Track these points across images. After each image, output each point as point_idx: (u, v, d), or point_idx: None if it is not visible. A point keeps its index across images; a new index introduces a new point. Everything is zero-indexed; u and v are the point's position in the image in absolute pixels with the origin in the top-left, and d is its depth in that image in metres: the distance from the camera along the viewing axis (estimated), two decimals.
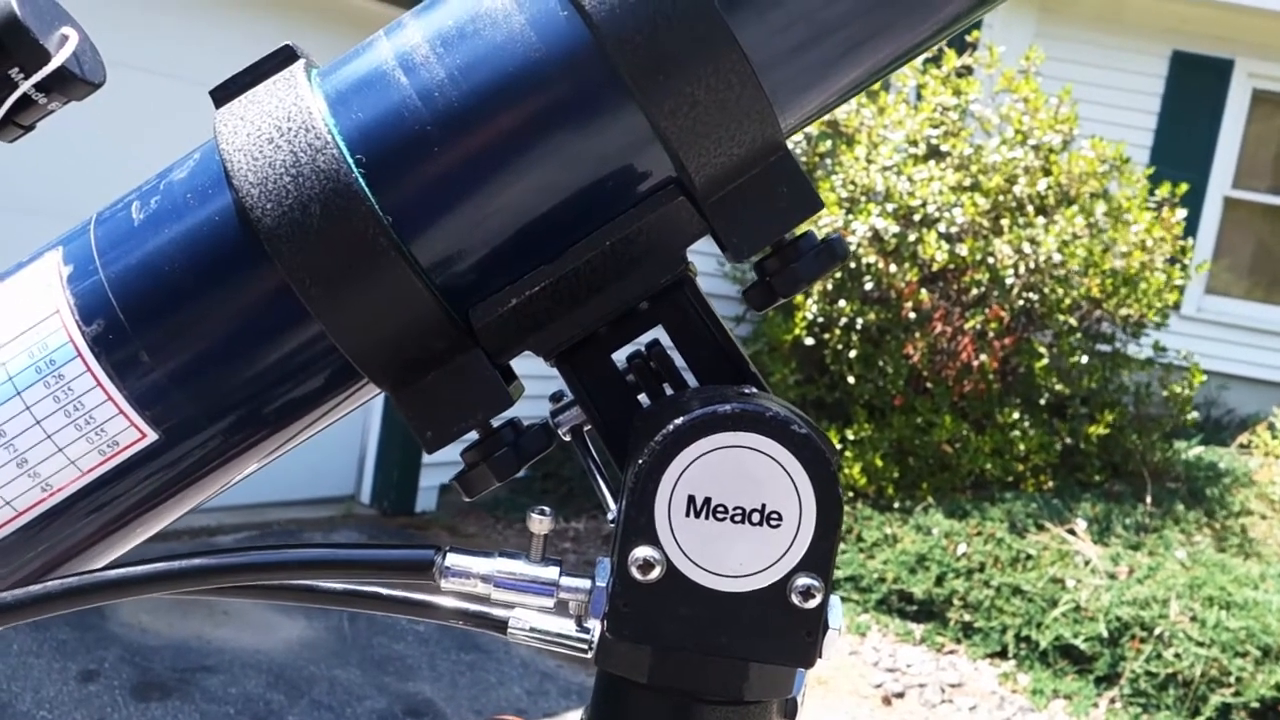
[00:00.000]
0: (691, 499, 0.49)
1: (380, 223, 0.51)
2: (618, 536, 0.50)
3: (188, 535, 4.50)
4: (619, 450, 0.57)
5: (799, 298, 5.46)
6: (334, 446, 5.23)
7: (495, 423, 0.57)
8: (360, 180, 0.52)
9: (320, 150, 0.51)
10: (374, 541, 0.50)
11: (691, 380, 0.59)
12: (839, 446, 5.33)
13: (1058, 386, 5.47)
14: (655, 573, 0.49)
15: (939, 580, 4.64)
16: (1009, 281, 5.31)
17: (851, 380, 5.42)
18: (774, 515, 0.49)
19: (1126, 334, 5.76)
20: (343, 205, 0.51)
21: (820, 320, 5.43)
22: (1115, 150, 5.70)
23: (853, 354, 5.38)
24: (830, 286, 5.39)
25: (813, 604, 0.50)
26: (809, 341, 5.46)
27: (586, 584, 0.54)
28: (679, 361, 0.60)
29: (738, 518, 0.49)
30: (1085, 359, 5.54)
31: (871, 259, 5.28)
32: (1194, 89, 7.57)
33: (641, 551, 0.49)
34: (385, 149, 0.53)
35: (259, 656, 3.68)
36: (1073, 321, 5.47)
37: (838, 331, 5.40)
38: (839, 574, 4.82)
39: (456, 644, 3.98)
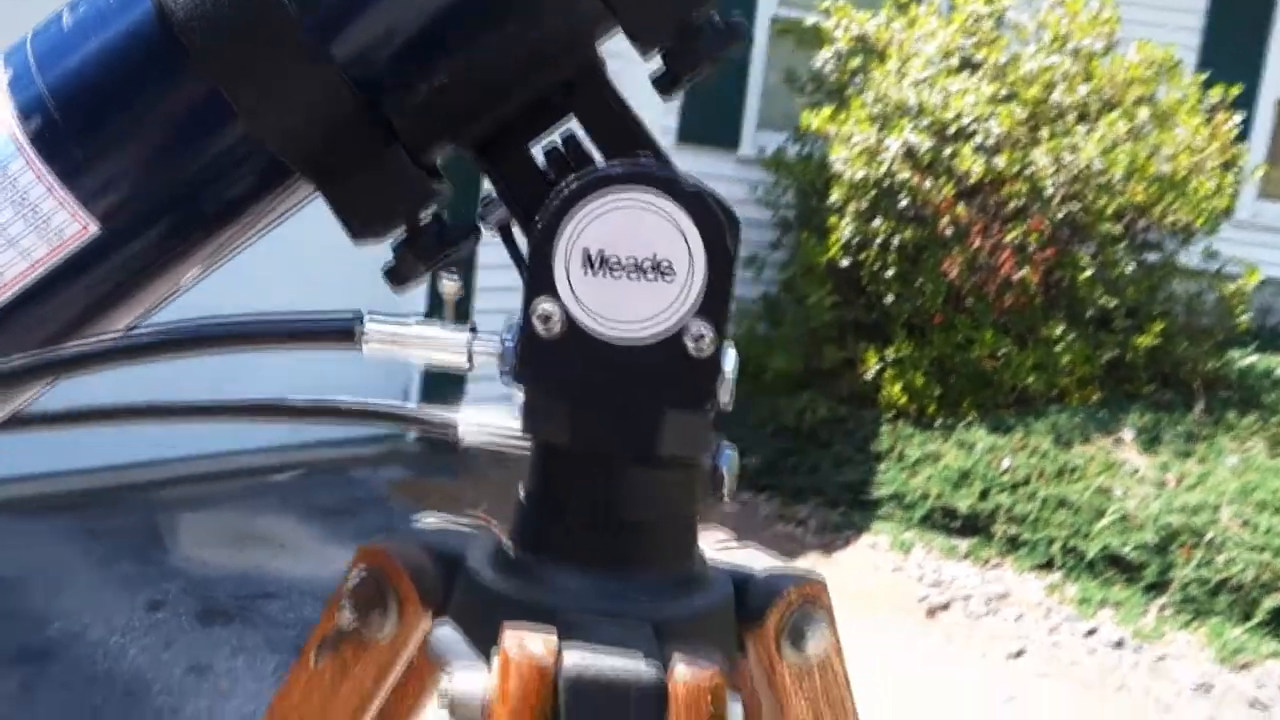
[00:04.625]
0: (587, 253, 0.51)
1: (289, 14, 0.51)
2: (523, 295, 0.52)
3: (245, 475, 4.57)
4: None
5: (833, 218, 5.39)
6: (379, 387, 5.28)
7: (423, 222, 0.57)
8: None
9: None
10: (298, 312, 0.54)
11: None
12: (879, 366, 5.28)
13: (1102, 299, 5.35)
14: (557, 327, 0.51)
15: (983, 495, 4.59)
16: (1048, 192, 5.19)
17: (889, 300, 5.34)
18: (666, 266, 0.51)
19: (1175, 242, 5.62)
20: None
21: (855, 240, 5.35)
22: (1164, 54, 5.52)
23: (889, 273, 5.30)
24: (865, 205, 5.31)
25: (707, 351, 0.51)
26: (845, 263, 5.39)
27: (496, 343, 0.54)
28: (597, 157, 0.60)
29: (632, 271, 0.51)
30: (1131, 268, 5.41)
31: (906, 175, 5.19)
32: None
33: (543, 304, 0.51)
34: None
35: (315, 584, 3.74)
36: (1117, 231, 5.34)
37: (874, 251, 5.32)
38: (882, 491, 4.79)
39: None
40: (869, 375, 5.29)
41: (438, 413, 0.59)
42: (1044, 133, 5.26)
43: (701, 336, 0.51)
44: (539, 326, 0.51)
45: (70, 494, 4.14)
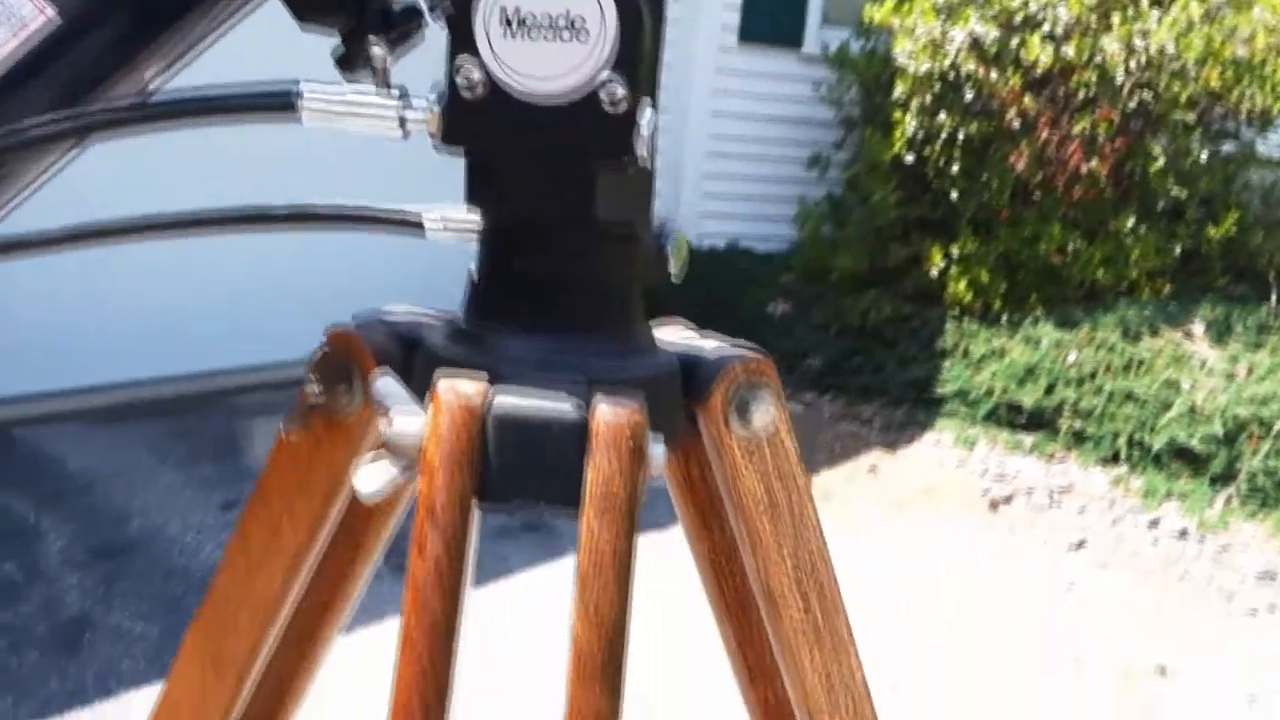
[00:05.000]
0: (504, 13, 0.52)
1: None
2: (446, 58, 0.53)
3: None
4: None
5: (897, 114, 5.29)
6: (441, 299, 5.35)
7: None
8: None
9: None
10: (236, 84, 0.55)
11: None
12: (944, 264, 5.22)
13: (1174, 190, 5.21)
14: (480, 89, 0.52)
15: (1049, 390, 4.54)
16: (1119, 80, 5.03)
17: (955, 195, 5.26)
18: (580, 24, 0.51)
19: (1252, 129, 5.43)
20: None
21: (920, 136, 5.26)
22: None
23: (955, 168, 5.20)
24: (929, 100, 5.20)
25: (622, 107, 0.52)
26: (909, 159, 5.30)
27: (423, 109, 0.55)
28: None
29: (547, 29, 0.52)
30: (1205, 158, 5.25)
31: (971, 67, 5.07)
32: None
33: (465, 64, 0.52)
34: None
35: None
36: (1190, 119, 5.17)
37: (939, 146, 5.22)
38: (947, 389, 4.76)
39: None
40: (934, 273, 5.23)
41: (407, 210, 0.61)
42: (1115, 18, 5.10)
43: (616, 92, 0.52)
44: (462, 87, 0.52)
45: (150, 401, 4.29)
